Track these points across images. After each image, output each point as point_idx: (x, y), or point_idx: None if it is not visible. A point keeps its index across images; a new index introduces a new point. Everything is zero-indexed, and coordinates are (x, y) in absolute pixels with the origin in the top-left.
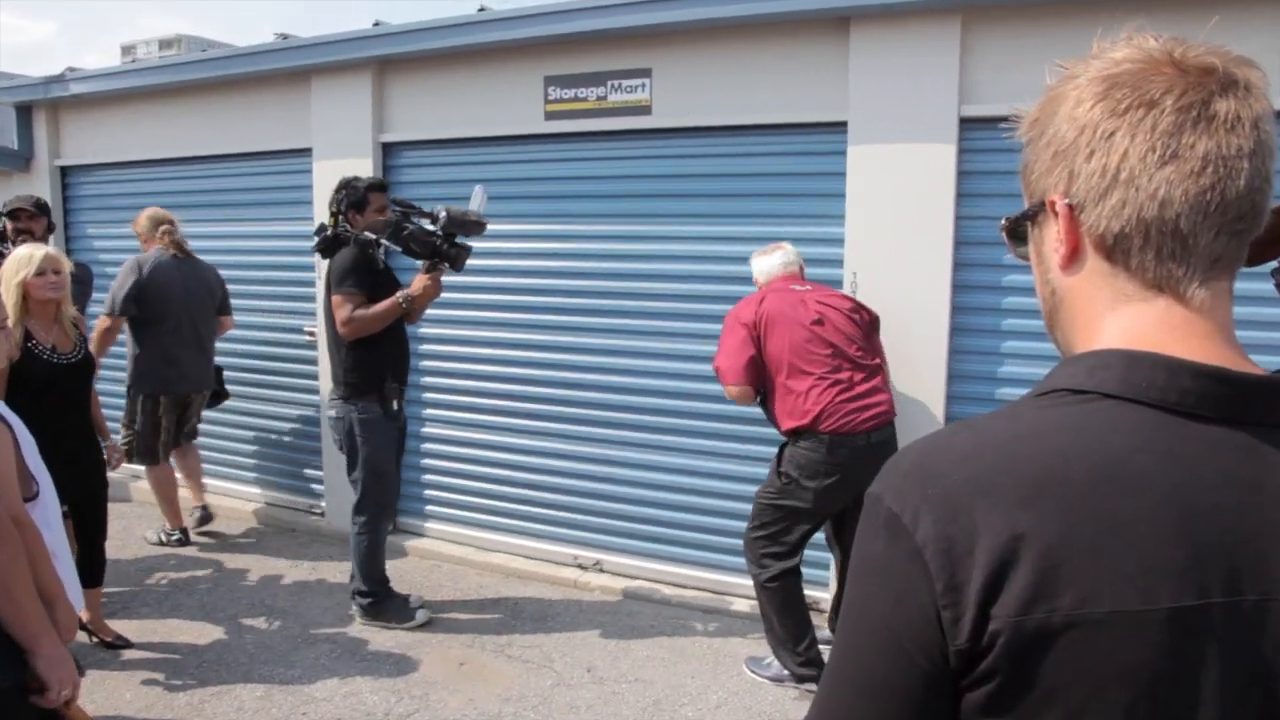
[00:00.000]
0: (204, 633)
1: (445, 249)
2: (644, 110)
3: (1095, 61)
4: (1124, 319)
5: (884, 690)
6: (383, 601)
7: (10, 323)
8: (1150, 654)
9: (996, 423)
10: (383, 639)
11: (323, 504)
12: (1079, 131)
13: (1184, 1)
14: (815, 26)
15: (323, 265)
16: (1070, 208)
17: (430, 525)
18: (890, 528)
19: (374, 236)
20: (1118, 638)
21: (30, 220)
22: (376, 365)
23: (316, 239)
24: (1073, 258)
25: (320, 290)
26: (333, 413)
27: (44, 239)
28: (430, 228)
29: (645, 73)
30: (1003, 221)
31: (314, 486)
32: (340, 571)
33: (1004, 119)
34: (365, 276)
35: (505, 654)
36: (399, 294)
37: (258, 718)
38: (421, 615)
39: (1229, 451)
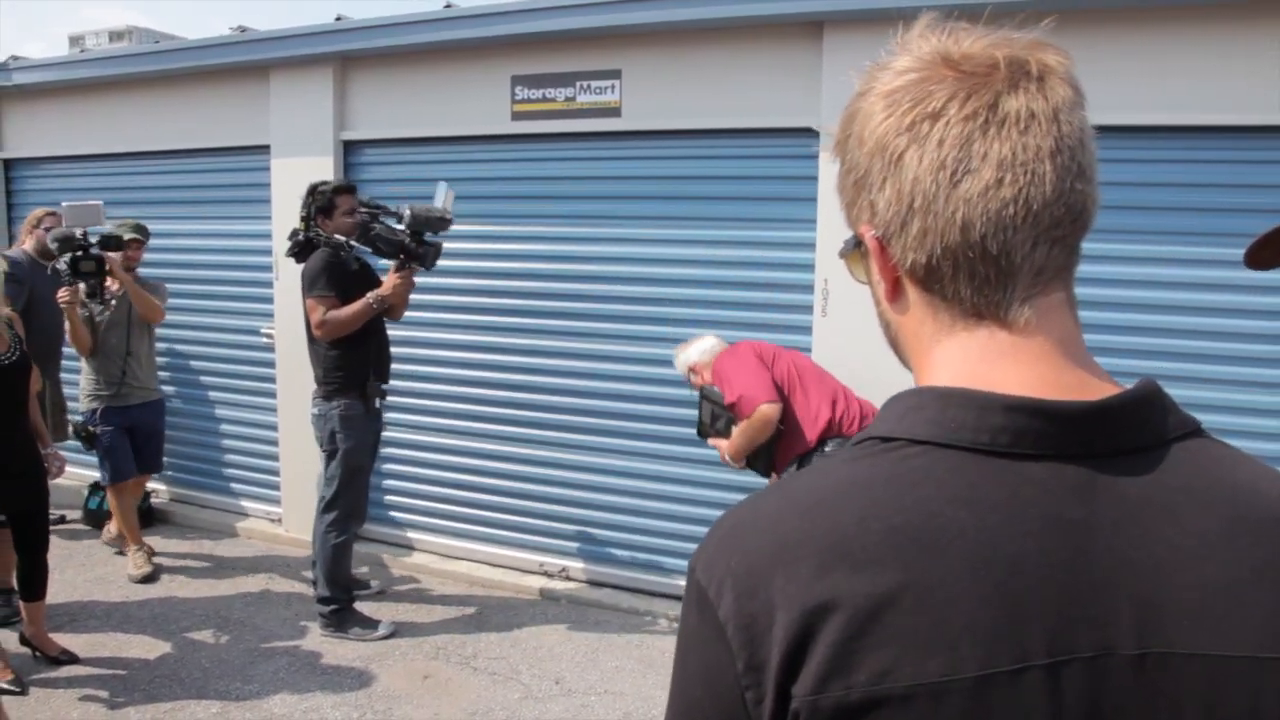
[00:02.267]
0: (155, 647)
1: (413, 248)
2: (613, 112)
3: (884, 72)
4: (947, 352)
5: None
6: (345, 611)
7: None
8: None
9: (805, 481)
10: (343, 651)
11: (279, 510)
12: (870, 156)
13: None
14: (788, 31)
15: (285, 267)
16: (879, 241)
17: (391, 532)
18: (700, 602)
19: (343, 239)
20: (921, 713)
21: None
22: (359, 365)
23: (289, 244)
24: (894, 291)
25: (278, 292)
26: (315, 410)
27: None
28: (397, 227)
29: (615, 74)
30: (839, 252)
31: (270, 493)
32: (299, 581)
33: None
34: (337, 279)
35: (471, 666)
36: (370, 294)
37: None
38: (384, 627)
39: (1054, 492)
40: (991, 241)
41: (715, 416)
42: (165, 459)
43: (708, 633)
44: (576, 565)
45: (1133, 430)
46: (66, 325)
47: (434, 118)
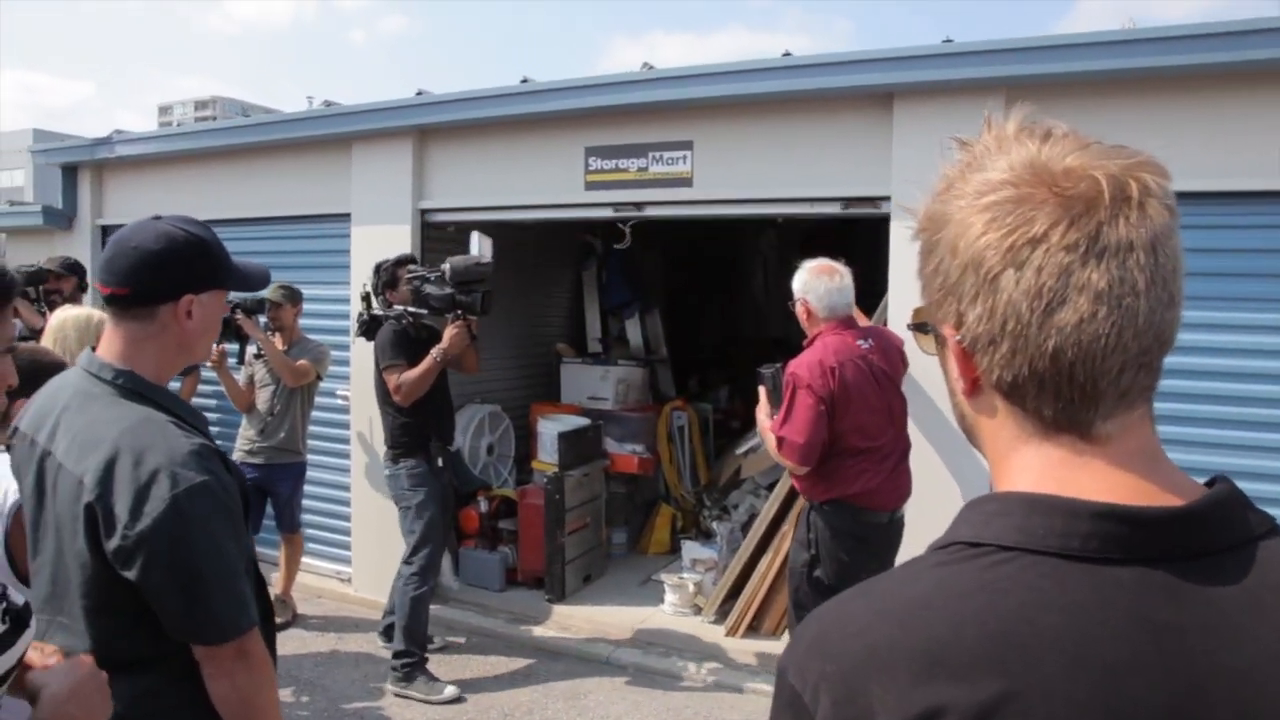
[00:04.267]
0: None
1: (462, 299)
2: (685, 182)
3: (976, 175)
4: (1026, 458)
5: None
6: (416, 666)
7: None
8: None
9: (894, 586)
10: (410, 715)
11: (349, 570)
12: (963, 270)
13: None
14: (858, 103)
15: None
16: (962, 349)
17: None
18: (794, 705)
19: (402, 309)
20: None
21: (58, 280)
22: (421, 428)
23: (357, 324)
24: (974, 391)
25: (355, 356)
26: (386, 472)
27: (74, 298)
28: (443, 284)
29: (687, 145)
30: (909, 320)
31: (342, 552)
32: (368, 641)
33: None
34: (403, 346)
35: None
36: (433, 350)
37: None
38: (450, 690)
39: (1144, 596)
40: (1080, 369)
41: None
42: None
43: None
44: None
45: (1215, 532)
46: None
47: (509, 187)
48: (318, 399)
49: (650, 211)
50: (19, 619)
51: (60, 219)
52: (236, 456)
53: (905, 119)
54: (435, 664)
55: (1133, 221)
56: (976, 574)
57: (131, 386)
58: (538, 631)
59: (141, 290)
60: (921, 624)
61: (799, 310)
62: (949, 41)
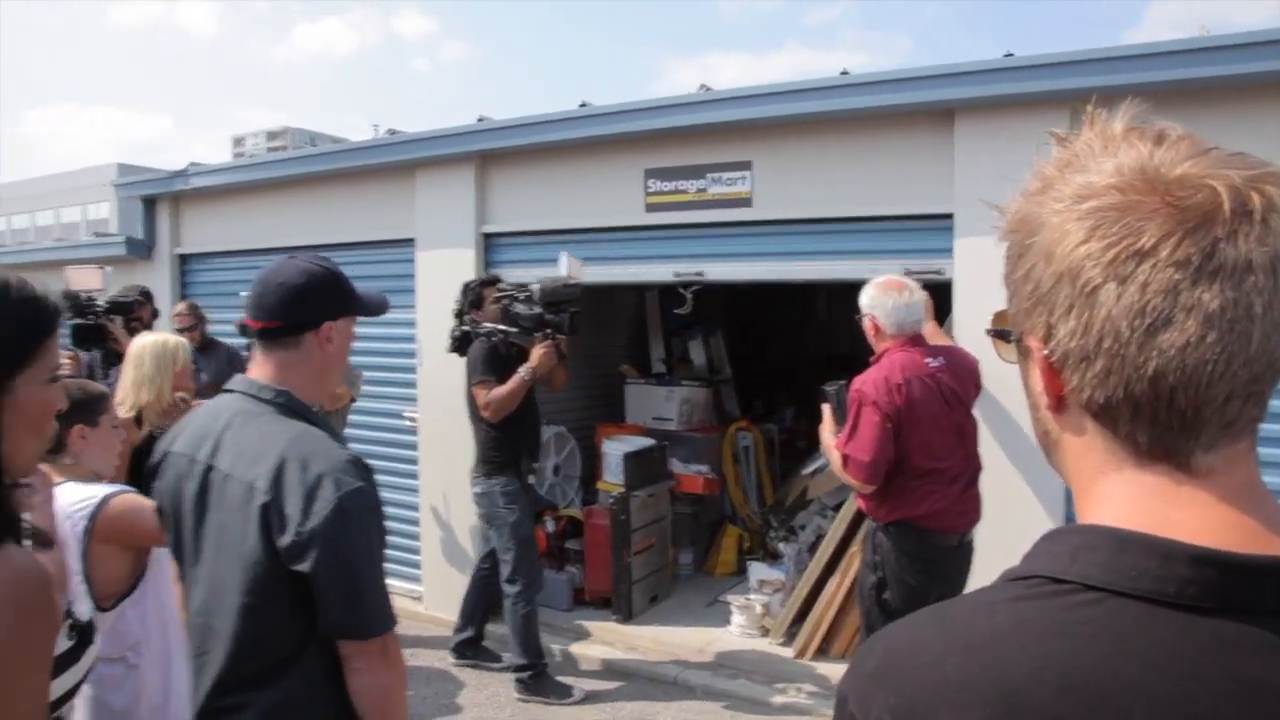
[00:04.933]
0: None
1: (551, 318)
2: (745, 202)
3: (1076, 177)
4: (1116, 486)
5: None
6: (541, 676)
7: (148, 413)
8: None
9: (969, 617)
10: None
11: (420, 589)
12: (1057, 279)
13: None
14: (919, 119)
15: (429, 354)
16: (1049, 363)
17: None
18: None
19: (491, 327)
20: None
21: (139, 309)
22: (512, 445)
23: (450, 340)
24: (1059, 407)
25: (422, 378)
26: (477, 489)
27: (149, 325)
28: (532, 303)
29: (746, 165)
30: (988, 326)
31: (412, 570)
32: (439, 658)
33: None
34: (493, 363)
35: None
36: (521, 369)
37: None
38: (578, 692)
39: (1246, 652)
40: (1181, 395)
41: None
42: None
43: None
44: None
45: None
46: None
47: (570, 210)
48: (386, 421)
49: (712, 277)
50: (84, 636)
51: (141, 249)
52: None
53: (968, 135)
54: (501, 681)
55: (1253, 239)
56: (1059, 614)
57: (288, 405)
58: (605, 652)
59: (290, 322)
60: (999, 664)
61: (866, 327)
62: (1010, 55)
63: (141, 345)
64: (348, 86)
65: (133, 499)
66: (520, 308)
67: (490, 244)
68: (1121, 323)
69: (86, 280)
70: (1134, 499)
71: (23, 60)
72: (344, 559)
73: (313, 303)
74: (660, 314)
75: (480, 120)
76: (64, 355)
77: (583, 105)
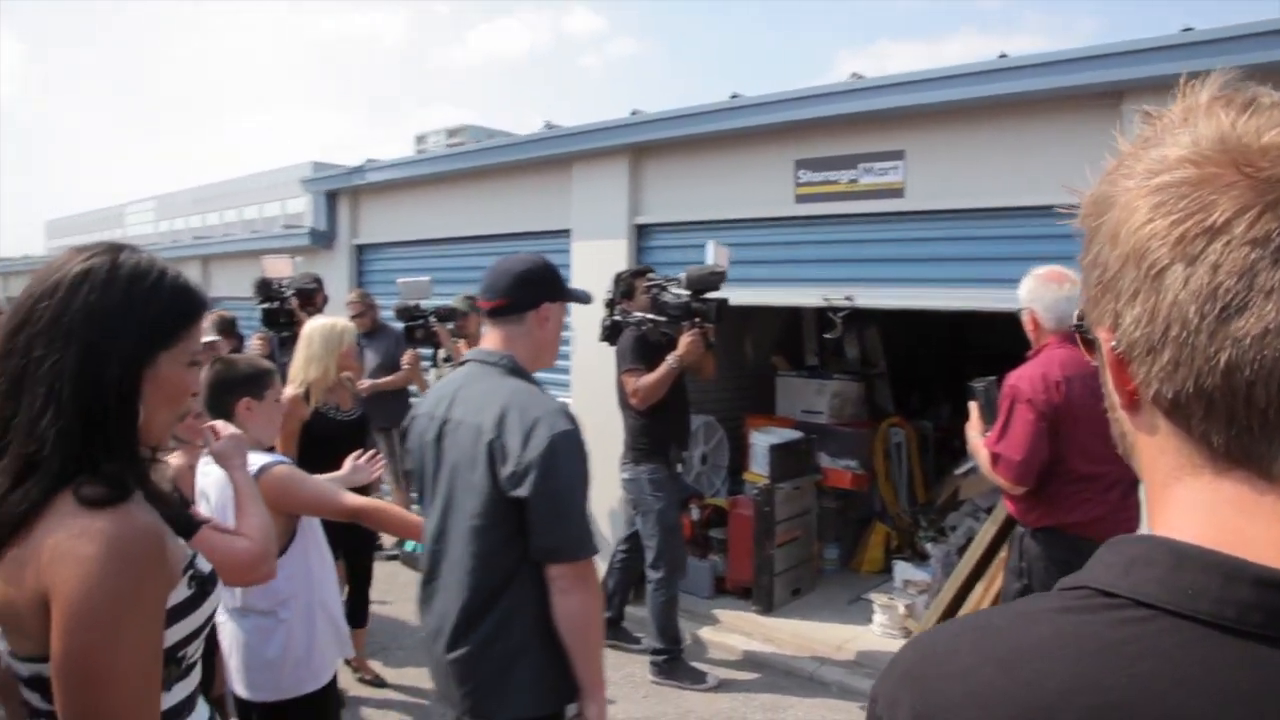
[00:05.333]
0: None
1: (698, 307)
2: (897, 193)
3: (1151, 152)
4: (1190, 494)
5: None
6: (676, 660)
7: (315, 389)
8: None
9: (1007, 624)
10: (614, 710)
11: None
12: (1123, 261)
13: None
14: (1082, 103)
15: (581, 343)
16: (1117, 356)
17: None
18: None
19: (640, 316)
20: None
21: (315, 295)
22: (661, 433)
23: (601, 330)
24: (1132, 405)
25: (574, 366)
26: (626, 475)
27: (321, 310)
28: (679, 292)
29: (898, 155)
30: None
31: None
32: None
33: None
34: (642, 352)
35: None
36: (669, 357)
37: None
38: (712, 679)
39: None
40: (1260, 391)
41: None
42: None
43: None
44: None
45: None
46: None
47: (719, 201)
48: None
49: (862, 302)
50: (204, 586)
51: (323, 239)
52: None
53: (1136, 118)
54: (637, 662)
55: None
56: (1104, 629)
57: (511, 366)
58: (742, 642)
59: (515, 301)
60: (1031, 678)
61: (1025, 320)
62: (1189, 30)
63: (312, 327)
64: (521, 84)
65: (286, 470)
66: (669, 297)
67: (643, 234)
68: (1190, 308)
69: (279, 268)
70: (1207, 509)
71: (231, 70)
72: (552, 488)
73: (533, 287)
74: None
75: (633, 113)
76: (256, 336)
77: (734, 97)
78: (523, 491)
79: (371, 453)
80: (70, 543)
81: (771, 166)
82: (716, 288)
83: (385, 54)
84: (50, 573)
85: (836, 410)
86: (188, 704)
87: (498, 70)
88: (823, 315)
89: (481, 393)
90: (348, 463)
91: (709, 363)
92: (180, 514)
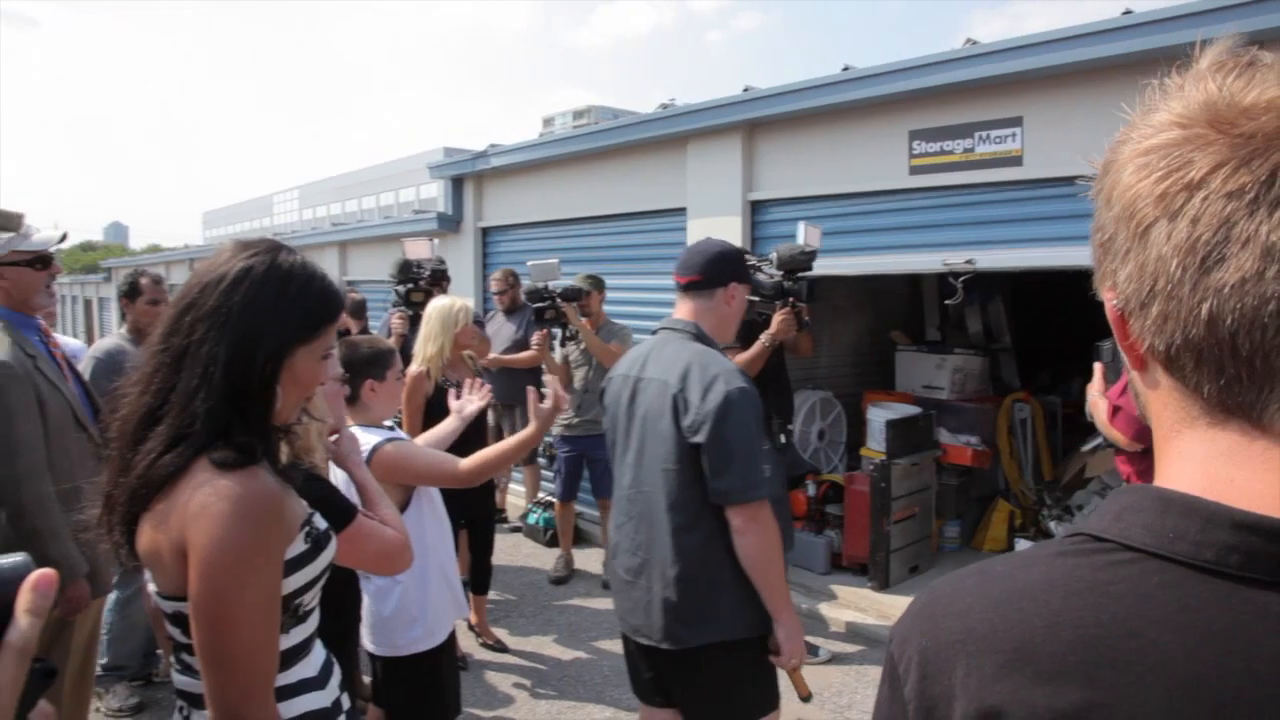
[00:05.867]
0: (567, 650)
1: (789, 286)
2: (1014, 161)
3: (1149, 117)
4: (1188, 445)
5: None
6: None
7: (432, 366)
8: None
9: (1007, 570)
10: None
11: None
12: (1117, 221)
13: None
14: None
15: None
16: (1118, 313)
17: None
18: (891, 676)
19: None
20: None
21: (441, 278)
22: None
23: None
24: (1139, 363)
25: None
26: None
27: (444, 290)
28: (772, 272)
29: (1015, 121)
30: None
31: None
32: None
33: None
34: (739, 331)
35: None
36: (762, 336)
37: None
38: (824, 653)
39: None
40: (1244, 340)
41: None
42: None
43: (894, 708)
44: None
45: None
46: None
47: (833, 175)
48: None
49: (983, 265)
50: (318, 543)
51: (450, 223)
52: (555, 432)
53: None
54: None
55: None
56: (1091, 571)
57: (697, 334)
58: (857, 617)
59: (708, 278)
60: (1019, 615)
61: None
62: None
63: (432, 307)
64: (645, 62)
65: (394, 447)
66: (762, 276)
67: (757, 210)
68: (1173, 262)
69: (419, 250)
70: (1202, 459)
71: (369, 60)
72: (725, 436)
73: (725, 267)
74: (937, 278)
75: (746, 90)
76: (396, 315)
77: (845, 69)
78: (700, 438)
79: (472, 384)
80: (205, 500)
81: (885, 138)
82: (808, 267)
83: (514, 39)
84: (189, 526)
85: (958, 385)
86: (304, 647)
87: (622, 50)
88: (943, 287)
89: (671, 354)
90: (452, 414)
91: (805, 340)
92: (341, 500)
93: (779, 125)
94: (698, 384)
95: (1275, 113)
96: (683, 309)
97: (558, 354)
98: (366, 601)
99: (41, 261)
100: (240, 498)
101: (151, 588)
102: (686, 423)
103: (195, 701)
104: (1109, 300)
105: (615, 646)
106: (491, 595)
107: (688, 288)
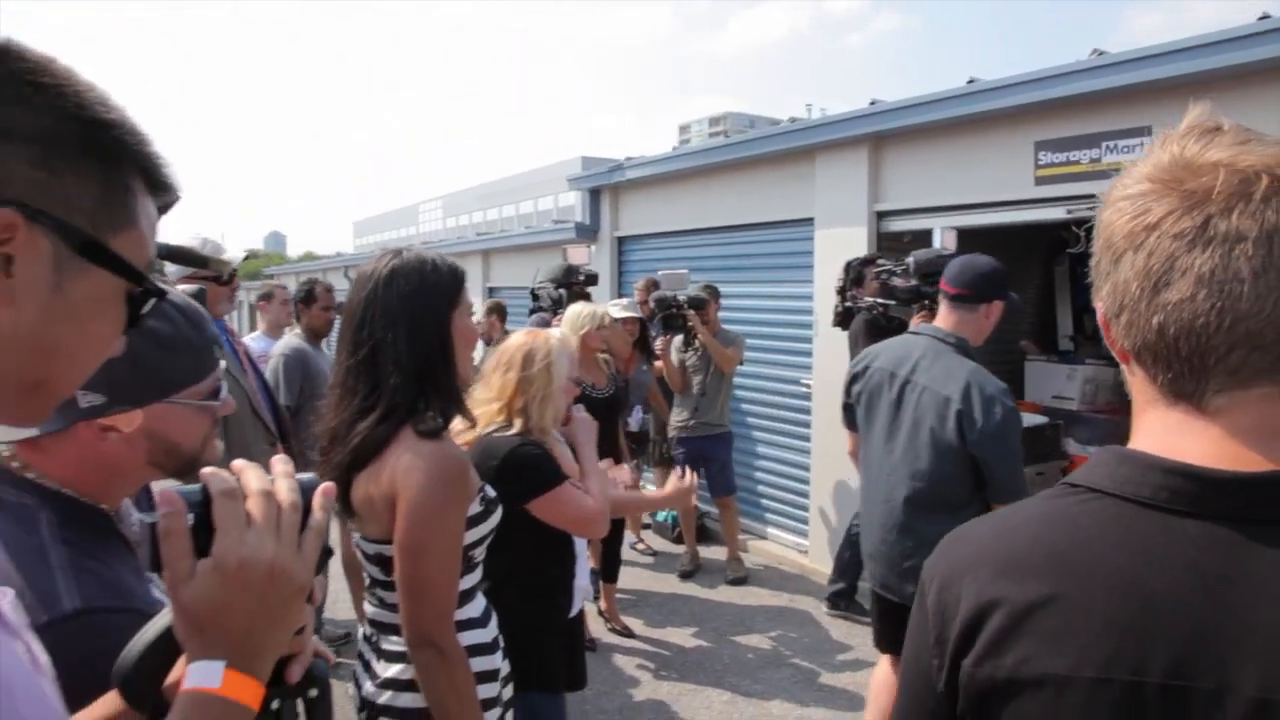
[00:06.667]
0: (690, 638)
1: (925, 290)
2: None
3: (1134, 168)
4: (1150, 420)
5: (911, 717)
6: (842, 595)
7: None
8: (1075, 717)
9: (1009, 513)
10: (840, 676)
11: (807, 543)
12: (1101, 250)
13: None
14: None
15: (824, 325)
16: (1104, 320)
17: None
18: (920, 593)
19: (871, 300)
20: (1047, 698)
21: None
22: None
23: (834, 315)
24: (1122, 358)
25: (817, 348)
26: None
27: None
28: (908, 276)
29: (1143, 131)
30: None
31: (800, 525)
32: (814, 606)
33: None
34: (875, 335)
35: None
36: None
37: (720, 719)
38: None
39: (1203, 547)
40: (1183, 343)
41: None
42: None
43: (920, 616)
44: None
45: None
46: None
47: (957, 186)
48: (784, 386)
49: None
50: (489, 507)
51: (588, 232)
52: (672, 434)
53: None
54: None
55: (1248, 214)
56: (1065, 508)
57: (961, 346)
58: None
59: (975, 293)
60: (1009, 540)
61: None
62: None
63: (568, 312)
64: (782, 67)
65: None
66: (897, 281)
67: (882, 220)
68: (1134, 284)
69: (579, 256)
70: (1158, 431)
71: (509, 69)
72: (1005, 451)
73: (991, 285)
74: (1071, 287)
75: (872, 103)
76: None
77: (970, 81)
78: (981, 453)
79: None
80: (412, 462)
81: (1010, 149)
82: (939, 272)
83: (650, 46)
84: (399, 481)
85: (1089, 396)
86: (471, 593)
87: (758, 56)
88: (1077, 295)
89: (944, 367)
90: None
91: None
92: (551, 466)
93: (905, 137)
94: (979, 404)
95: (1214, 174)
96: (947, 319)
97: (674, 358)
98: None
99: (225, 278)
100: (439, 461)
101: (355, 536)
102: (972, 438)
103: (383, 628)
104: (1098, 309)
105: (737, 637)
106: (621, 586)
107: (956, 299)
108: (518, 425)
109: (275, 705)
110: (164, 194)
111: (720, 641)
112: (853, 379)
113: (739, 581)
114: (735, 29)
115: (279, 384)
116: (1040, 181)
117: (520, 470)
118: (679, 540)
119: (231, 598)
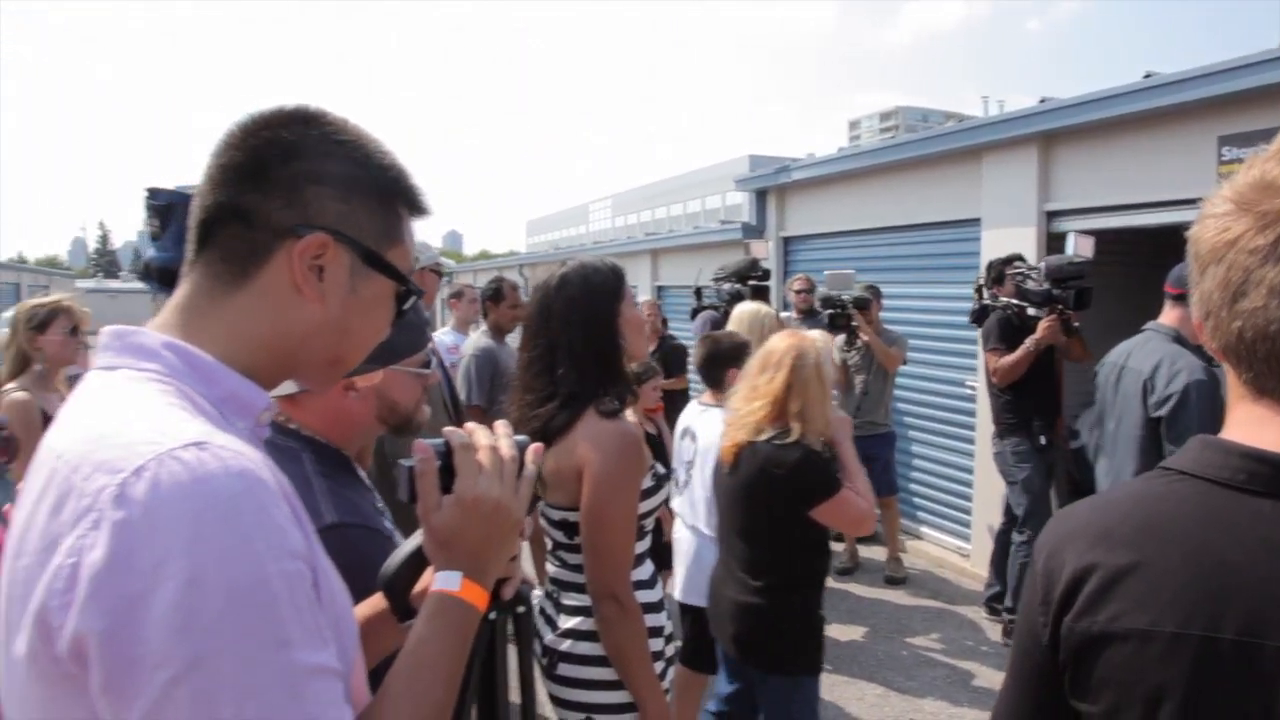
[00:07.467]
0: (847, 632)
1: (1057, 294)
2: None
3: (1221, 189)
4: (1240, 413)
5: (1020, 670)
6: None
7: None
8: (1156, 666)
9: (1110, 493)
10: (997, 679)
11: (969, 547)
12: (1192, 260)
13: None
14: None
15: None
16: (1198, 323)
17: None
18: (1031, 566)
19: (1005, 300)
20: (1133, 649)
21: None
22: (1022, 408)
23: (970, 312)
24: (1218, 355)
25: (982, 349)
26: (994, 450)
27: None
28: (1040, 279)
29: None
30: None
31: (962, 529)
32: (972, 611)
33: None
34: (1005, 334)
35: None
36: (1027, 340)
37: (873, 712)
38: None
39: (1274, 522)
40: (1260, 347)
41: None
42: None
43: (1031, 581)
44: None
45: None
46: None
47: (1134, 184)
48: (948, 388)
49: None
50: (659, 481)
51: (754, 232)
52: None
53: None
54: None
55: None
56: (1154, 488)
57: (1175, 337)
58: None
59: (1189, 292)
60: (1104, 515)
61: None
62: None
63: (739, 310)
64: (957, 58)
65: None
66: (1031, 284)
67: (1052, 220)
68: (1216, 293)
69: (760, 250)
70: (1244, 423)
71: (676, 67)
72: (1184, 416)
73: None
74: None
75: (1042, 101)
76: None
77: (1147, 76)
78: (1163, 413)
79: None
80: (598, 439)
81: (1191, 145)
82: (1078, 276)
83: (816, 42)
84: (586, 456)
85: None
86: (641, 558)
87: (931, 47)
88: None
89: (1149, 350)
90: None
91: (1075, 346)
92: (832, 473)
93: (1077, 135)
94: (1165, 375)
95: None
96: (1169, 315)
97: (836, 355)
98: (691, 552)
99: (438, 270)
100: (621, 438)
101: (541, 504)
102: (1150, 403)
103: (564, 586)
104: (1193, 313)
105: (893, 634)
106: None
107: (1177, 298)
108: (796, 430)
109: (492, 615)
110: (421, 215)
111: (875, 638)
112: (1094, 377)
113: (898, 582)
114: (905, 20)
115: (470, 384)
116: (1224, 177)
117: (810, 477)
118: (838, 539)
119: (467, 524)
